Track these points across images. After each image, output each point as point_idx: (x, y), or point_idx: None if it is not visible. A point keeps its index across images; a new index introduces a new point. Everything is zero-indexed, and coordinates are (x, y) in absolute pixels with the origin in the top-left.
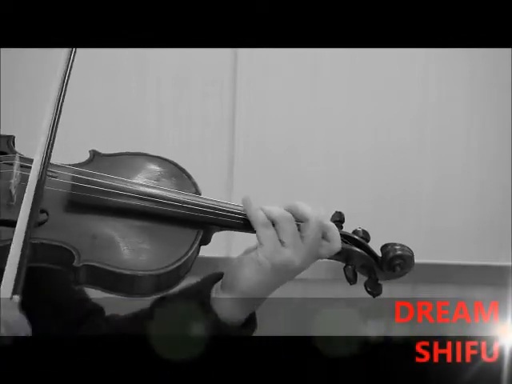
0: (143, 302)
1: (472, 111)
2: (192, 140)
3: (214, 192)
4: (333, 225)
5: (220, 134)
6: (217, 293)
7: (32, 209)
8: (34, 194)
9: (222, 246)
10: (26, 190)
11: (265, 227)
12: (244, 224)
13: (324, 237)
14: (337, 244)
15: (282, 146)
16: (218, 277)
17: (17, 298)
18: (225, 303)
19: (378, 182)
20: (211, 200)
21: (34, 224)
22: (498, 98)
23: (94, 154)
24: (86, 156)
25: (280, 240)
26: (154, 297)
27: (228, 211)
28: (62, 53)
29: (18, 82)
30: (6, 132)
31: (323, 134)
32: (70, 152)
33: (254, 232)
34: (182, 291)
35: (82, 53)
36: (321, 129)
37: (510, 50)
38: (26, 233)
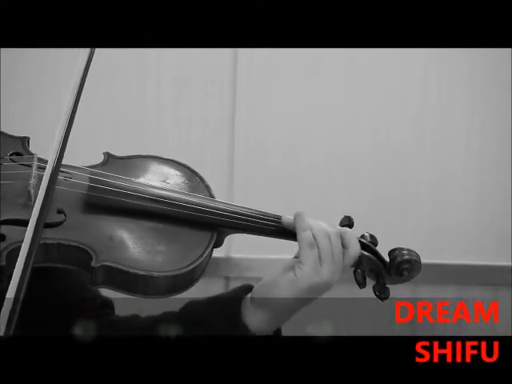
0: (156, 305)
1: (472, 111)
2: (192, 140)
3: (213, 192)
4: (347, 230)
5: (220, 134)
6: (247, 307)
7: (41, 209)
8: (45, 194)
9: (222, 245)
10: (39, 191)
11: (311, 247)
12: (257, 227)
13: (343, 244)
14: (356, 248)
15: (282, 145)
16: (249, 289)
17: None
18: (255, 318)
19: (377, 182)
20: (224, 203)
21: (42, 225)
22: (497, 98)
23: (108, 156)
24: (85, 156)
25: (320, 258)
26: (168, 297)
27: (241, 214)
28: (80, 55)
29: (18, 82)
30: (7, 131)
31: (323, 134)
32: (70, 151)
33: (264, 235)
34: (211, 301)
35: (82, 53)
36: (321, 129)
37: (510, 49)
38: (34, 235)
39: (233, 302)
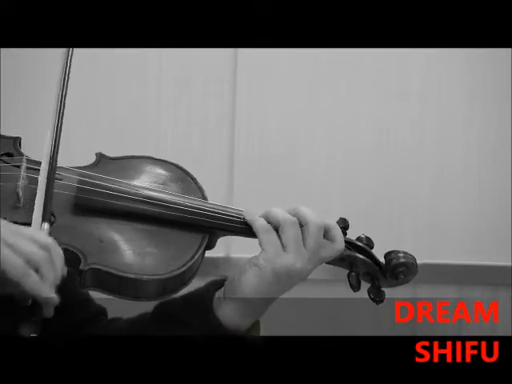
0: (146, 305)
1: (472, 111)
2: (192, 140)
3: (214, 192)
4: (335, 224)
5: (220, 133)
6: (219, 299)
7: (44, 211)
8: (45, 193)
9: (221, 246)
10: (37, 191)
11: (266, 232)
12: (248, 230)
13: (326, 237)
14: (340, 244)
15: (282, 145)
16: (221, 283)
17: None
18: (227, 310)
19: (377, 182)
20: (217, 205)
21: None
22: (498, 97)
23: (100, 157)
24: (85, 156)
25: (282, 244)
26: (159, 300)
27: (233, 216)
28: (60, 53)
29: (18, 81)
30: (6, 132)
31: (323, 134)
32: (70, 152)
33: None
34: (184, 296)
35: (82, 53)
36: (321, 128)
37: (510, 49)
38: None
39: (206, 295)
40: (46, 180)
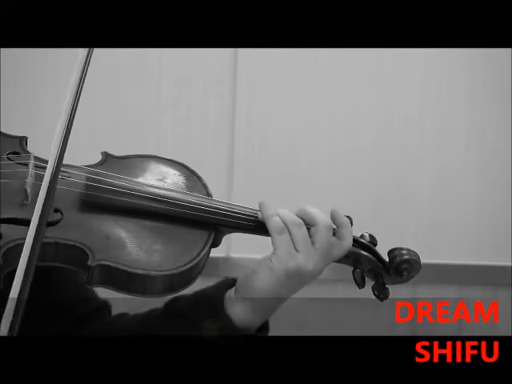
0: (152, 302)
1: (472, 111)
2: (192, 140)
3: (214, 192)
4: (345, 222)
5: (220, 134)
6: (230, 298)
7: (43, 209)
8: (46, 193)
9: (221, 245)
10: (40, 191)
11: (279, 233)
12: (255, 226)
13: (336, 235)
14: (348, 242)
15: (282, 145)
16: (232, 283)
17: None
18: (239, 309)
19: (377, 182)
20: (223, 202)
21: (45, 225)
22: (498, 97)
23: (107, 156)
24: (85, 156)
25: (294, 245)
26: (166, 296)
27: (239, 213)
28: (78, 54)
29: (19, 81)
30: (6, 131)
31: (323, 134)
32: (70, 151)
33: (264, 234)
34: (195, 294)
35: (82, 53)
36: (321, 128)
37: (510, 49)
38: (36, 236)
39: (217, 294)
40: (48, 182)
